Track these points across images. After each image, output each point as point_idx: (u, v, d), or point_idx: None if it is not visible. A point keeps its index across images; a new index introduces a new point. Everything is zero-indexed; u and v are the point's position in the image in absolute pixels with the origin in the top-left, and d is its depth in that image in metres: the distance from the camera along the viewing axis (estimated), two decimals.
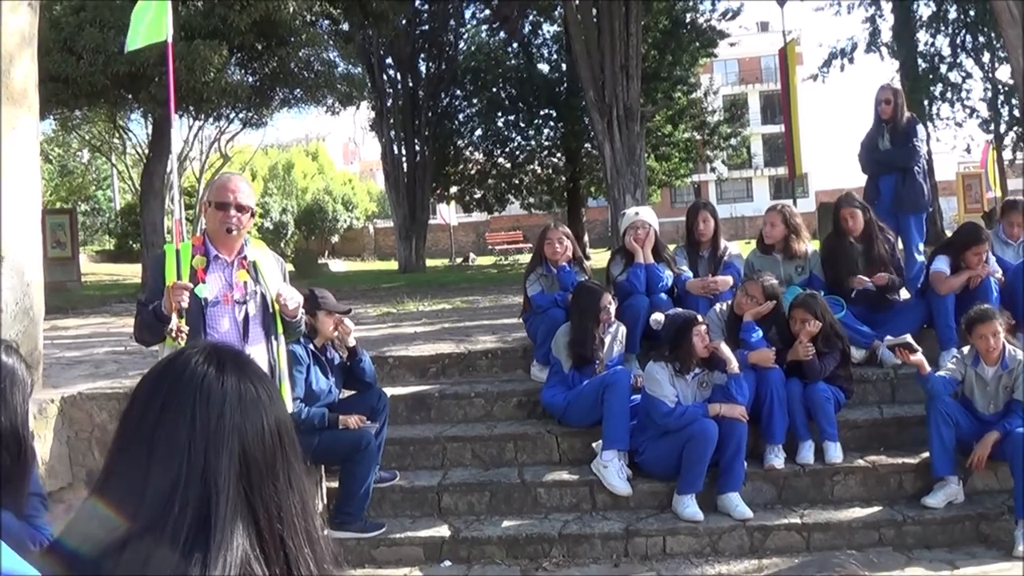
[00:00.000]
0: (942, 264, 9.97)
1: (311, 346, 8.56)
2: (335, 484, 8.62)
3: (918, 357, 8.54)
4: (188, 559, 1.85)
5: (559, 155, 41.48)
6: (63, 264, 28.71)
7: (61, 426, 9.01)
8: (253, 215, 6.72)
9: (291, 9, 23.35)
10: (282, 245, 63.84)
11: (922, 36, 33.77)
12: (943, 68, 33.79)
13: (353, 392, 8.94)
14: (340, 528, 8.27)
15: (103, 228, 58.75)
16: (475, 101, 40.46)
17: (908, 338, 8.71)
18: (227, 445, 1.97)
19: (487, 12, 39.24)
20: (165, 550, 1.85)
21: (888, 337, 9.18)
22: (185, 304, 6.38)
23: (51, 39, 20.17)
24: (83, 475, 8.80)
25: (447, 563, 8.28)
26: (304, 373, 8.51)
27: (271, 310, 6.77)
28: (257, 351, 6.53)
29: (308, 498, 2.11)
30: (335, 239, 69.04)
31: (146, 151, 29.70)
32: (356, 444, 8.19)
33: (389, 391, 9.27)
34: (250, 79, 25.73)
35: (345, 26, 29.87)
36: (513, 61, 41.00)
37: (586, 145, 38.01)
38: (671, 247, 10.95)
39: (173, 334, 6.32)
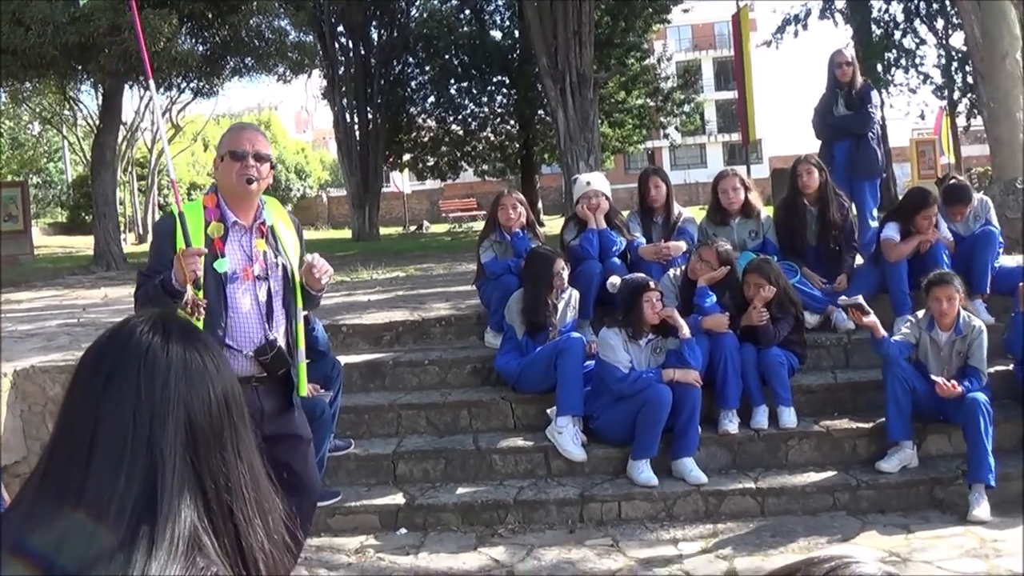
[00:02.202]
0: (892, 231, 10.01)
1: None
2: None
3: (871, 319, 8.55)
4: (135, 531, 1.82)
5: (512, 122, 41.44)
6: (15, 237, 28.50)
7: (15, 400, 8.94)
8: (273, 167, 6.03)
9: None
10: None
11: (876, 2, 33.87)
12: (897, 34, 33.89)
13: (308, 361, 8.88)
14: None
15: (55, 200, 58.28)
16: (427, 68, 40.35)
17: (860, 299, 8.72)
18: (172, 415, 1.94)
19: None
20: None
21: (842, 297, 9.22)
22: (200, 273, 5.57)
23: None
24: (37, 449, 8.73)
25: (403, 530, 8.27)
26: None
27: (292, 284, 6.03)
28: (280, 334, 5.92)
29: (258, 468, 2.09)
30: (288, 208, 68.43)
31: (96, 122, 29.43)
32: (310, 413, 8.12)
33: (343, 359, 9.21)
34: (201, 48, 25.57)
35: None
36: (465, 28, 40.90)
37: (539, 112, 37.96)
38: (625, 213, 10.94)
39: (188, 308, 5.51)
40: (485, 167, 43.64)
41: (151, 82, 7.23)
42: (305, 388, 6.23)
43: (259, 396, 5.78)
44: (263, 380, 5.82)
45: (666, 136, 46.82)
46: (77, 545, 1.81)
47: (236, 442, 2.04)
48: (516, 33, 39.32)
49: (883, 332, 8.62)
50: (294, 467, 5.93)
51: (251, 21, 25.58)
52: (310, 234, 50.77)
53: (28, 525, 1.87)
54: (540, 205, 42.64)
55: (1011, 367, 9.14)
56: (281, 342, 5.87)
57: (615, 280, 9.51)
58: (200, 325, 5.55)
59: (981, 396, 8.16)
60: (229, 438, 2.02)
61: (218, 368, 2.06)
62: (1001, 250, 10.50)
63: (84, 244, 34.09)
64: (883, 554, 7.30)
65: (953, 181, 10.96)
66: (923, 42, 34.38)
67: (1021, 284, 8.94)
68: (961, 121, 35.49)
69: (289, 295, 5.99)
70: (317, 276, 5.83)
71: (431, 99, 41.36)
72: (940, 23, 33.85)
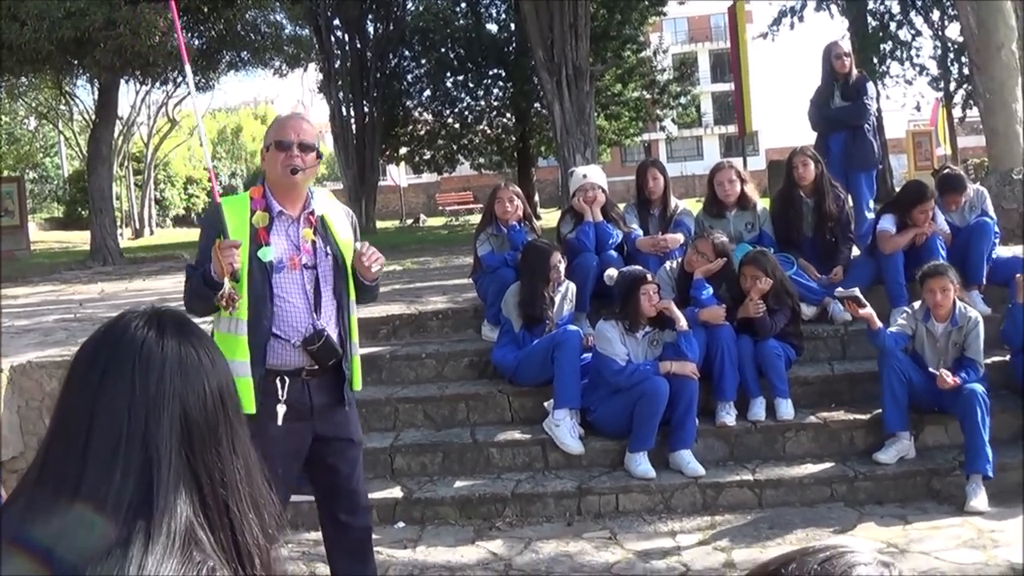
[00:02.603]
0: (887, 223, 10.01)
1: None
2: None
3: (867, 311, 8.56)
4: (131, 527, 1.82)
5: (508, 115, 41.33)
6: (12, 233, 28.44)
7: (11, 395, 8.94)
8: (320, 156, 5.87)
9: None
10: None
11: None
12: (893, 26, 33.84)
13: None
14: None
15: (51, 196, 58.26)
16: (423, 62, 40.23)
17: (856, 291, 8.74)
18: (168, 410, 1.94)
19: None
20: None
21: (838, 289, 9.23)
22: (237, 265, 5.48)
23: None
24: (34, 444, 8.73)
25: (400, 524, 8.28)
26: None
27: (345, 273, 5.91)
28: (329, 323, 5.80)
29: (254, 463, 2.09)
30: None
31: (92, 117, 29.39)
32: None
33: None
34: (196, 42, 25.50)
35: None
36: (461, 21, 40.79)
37: (535, 105, 37.85)
38: (621, 206, 10.94)
39: (223, 302, 5.45)
40: (481, 160, 43.56)
41: (189, 73, 7.10)
42: (359, 382, 6.12)
43: (309, 390, 5.74)
44: (315, 373, 5.75)
45: (662, 128, 46.65)
46: (76, 537, 1.81)
47: (231, 437, 2.04)
48: (512, 26, 39.22)
49: (879, 324, 8.62)
50: (342, 471, 5.92)
51: (247, 15, 25.52)
52: None
53: (27, 519, 1.87)
54: (536, 198, 42.58)
55: (1008, 357, 9.14)
56: (332, 332, 5.77)
57: (612, 273, 9.51)
58: (241, 317, 5.57)
59: (979, 387, 8.17)
60: (224, 433, 2.02)
61: (213, 363, 2.07)
62: (997, 240, 10.51)
63: (80, 239, 34.07)
64: (880, 545, 7.30)
65: (948, 171, 10.98)
66: (919, 33, 34.29)
67: (1018, 276, 8.94)
68: (957, 112, 35.46)
69: (341, 285, 5.89)
70: (367, 264, 5.75)
71: (427, 92, 41.27)
72: (936, 14, 33.78)
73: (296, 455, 5.75)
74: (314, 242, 5.79)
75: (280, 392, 5.66)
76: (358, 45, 35.42)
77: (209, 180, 6.72)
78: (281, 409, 5.65)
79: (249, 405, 5.45)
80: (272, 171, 5.75)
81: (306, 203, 5.82)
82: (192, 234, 44.66)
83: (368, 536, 6.23)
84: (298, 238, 5.76)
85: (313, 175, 5.86)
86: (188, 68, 6.98)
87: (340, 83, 34.61)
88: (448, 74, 40.47)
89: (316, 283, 5.77)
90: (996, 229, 10.48)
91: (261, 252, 5.63)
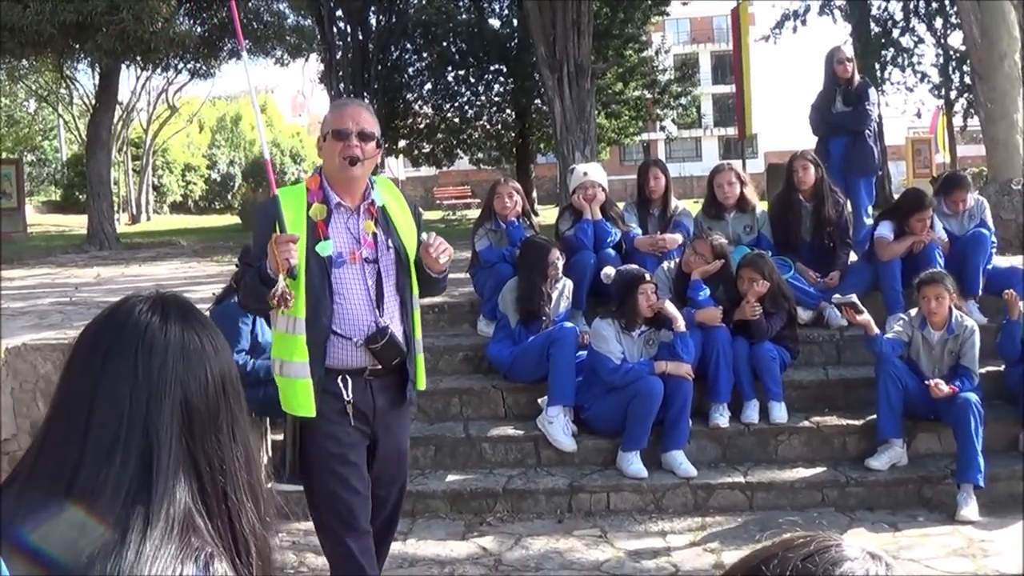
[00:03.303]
0: (885, 230, 10.01)
1: None
2: (280, 437, 8.56)
3: (865, 318, 8.57)
4: (130, 512, 1.82)
5: (509, 111, 41.26)
6: (9, 215, 28.35)
7: (5, 377, 8.91)
8: (379, 146, 5.57)
9: None
10: (229, 197, 63.41)
11: (875, 0, 33.81)
12: (895, 32, 33.83)
13: None
14: (284, 481, 8.21)
15: (49, 179, 58.11)
16: (425, 55, 40.14)
17: (854, 298, 8.75)
18: (169, 396, 1.95)
19: None
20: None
21: (836, 295, 9.23)
22: (295, 261, 5.16)
23: None
24: (27, 427, 8.72)
25: None
26: (250, 325, 8.45)
27: (408, 268, 5.61)
28: (392, 320, 5.53)
29: (252, 451, 2.09)
30: None
31: (93, 102, 29.34)
32: None
33: None
34: (199, 29, 25.44)
35: None
36: (464, 15, 40.70)
37: (536, 101, 37.80)
38: (620, 204, 10.94)
39: (275, 300, 5.12)
40: (480, 155, 43.48)
41: (244, 53, 6.51)
42: (423, 381, 5.88)
43: (372, 391, 5.52)
44: (378, 373, 5.51)
45: (662, 128, 46.58)
46: (71, 523, 1.80)
47: (232, 425, 2.04)
48: (514, 22, 39.13)
49: (876, 330, 8.63)
50: (388, 470, 5.75)
51: (250, 3, 25.51)
52: None
53: (21, 509, 1.87)
54: (535, 194, 42.55)
55: (1002, 368, 9.15)
56: (396, 330, 5.51)
57: (609, 271, 9.52)
58: (299, 315, 5.33)
59: (973, 396, 8.19)
60: (225, 420, 2.03)
61: (216, 349, 2.07)
62: (994, 250, 10.53)
63: (77, 223, 34.00)
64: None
65: (951, 172, 11.02)
66: (921, 41, 34.28)
67: (1008, 292, 8.94)
68: (958, 121, 35.47)
69: (404, 279, 5.62)
70: (435, 255, 5.45)
71: (428, 86, 41.18)
72: (939, 22, 33.77)
73: (346, 460, 5.49)
74: (375, 235, 5.52)
75: (345, 392, 5.42)
76: (360, 37, 35.34)
77: (268, 168, 6.40)
78: (350, 409, 5.43)
79: (308, 408, 5.32)
80: (329, 162, 5.51)
81: (366, 193, 5.56)
82: (188, 221, 44.69)
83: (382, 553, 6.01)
84: (358, 231, 5.50)
85: (373, 165, 5.61)
86: (240, 39, 6.66)
87: (341, 74, 34.54)
88: (449, 68, 40.41)
89: (378, 278, 5.51)
90: (993, 240, 10.50)
91: (319, 246, 5.36)
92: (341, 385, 5.41)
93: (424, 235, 5.60)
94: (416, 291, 5.72)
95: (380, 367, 5.49)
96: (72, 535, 1.80)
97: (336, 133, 5.42)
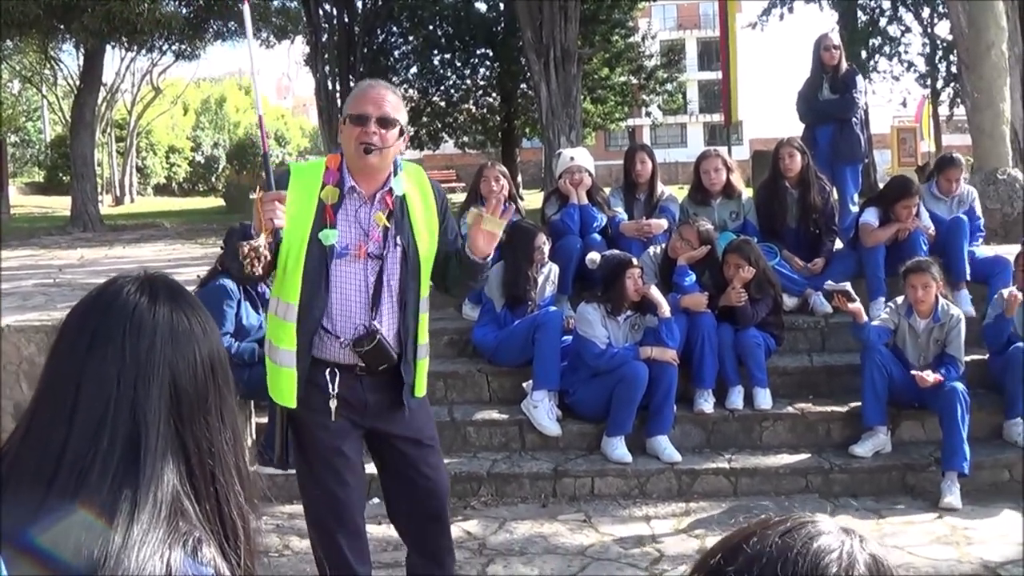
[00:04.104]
0: (870, 216, 10.03)
1: None
2: (264, 420, 8.55)
3: (856, 306, 8.57)
4: (117, 495, 1.81)
5: (494, 95, 41.27)
6: None
7: None
8: (403, 133, 5.15)
9: None
10: (213, 179, 63.35)
11: None
12: (882, 21, 33.89)
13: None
14: (269, 464, 8.16)
15: (33, 160, 57.99)
16: (411, 38, 40.09)
17: (847, 286, 8.74)
18: (158, 377, 1.93)
19: None
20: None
21: (828, 282, 9.23)
22: (280, 223, 4.81)
23: None
24: (11, 408, 8.68)
25: (375, 500, 8.21)
26: (235, 308, 8.43)
27: (416, 268, 5.24)
28: (386, 323, 5.19)
29: (240, 434, 2.07)
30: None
31: (77, 82, 29.26)
32: None
33: None
34: (184, 10, 25.40)
35: None
36: None
37: (522, 86, 37.81)
38: (606, 190, 10.93)
39: (245, 258, 4.69)
40: (466, 139, 43.47)
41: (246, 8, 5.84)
42: (423, 388, 5.46)
43: (363, 388, 5.24)
44: (369, 371, 5.21)
45: (648, 114, 46.63)
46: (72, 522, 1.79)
47: (220, 407, 2.03)
48: (501, 6, 39.08)
49: (865, 318, 8.65)
50: (420, 470, 5.49)
51: None
52: None
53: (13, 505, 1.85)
54: (520, 179, 42.55)
55: (986, 356, 9.17)
56: (388, 334, 5.18)
57: (595, 257, 9.52)
58: (291, 301, 5.08)
59: (959, 385, 8.20)
60: (214, 402, 2.01)
61: (205, 331, 2.05)
62: (981, 239, 10.57)
63: (61, 205, 33.97)
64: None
65: (944, 154, 11.08)
66: (908, 30, 34.40)
67: (1011, 291, 8.81)
68: (944, 110, 35.54)
69: (409, 281, 5.23)
70: (489, 229, 5.19)
71: (414, 69, 41.16)
72: (926, 11, 33.86)
73: (338, 452, 5.29)
74: (386, 228, 5.16)
75: (330, 386, 5.15)
76: (346, 19, 35.25)
77: (262, 136, 5.93)
78: (333, 404, 5.16)
79: (290, 399, 5.14)
80: (346, 147, 5.14)
81: (386, 181, 5.19)
82: (172, 203, 44.61)
83: (438, 513, 5.67)
84: (368, 222, 5.16)
85: (394, 154, 5.16)
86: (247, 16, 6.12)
87: (327, 57, 34.47)
88: (435, 52, 40.37)
89: (379, 276, 5.17)
90: (982, 229, 10.56)
91: (323, 234, 5.04)
92: (328, 378, 5.17)
93: (473, 208, 5.31)
94: (425, 293, 5.38)
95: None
96: (74, 534, 1.78)
97: (355, 118, 5.07)
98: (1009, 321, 8.75)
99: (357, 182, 5.14)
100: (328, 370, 5.18)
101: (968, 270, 9.96)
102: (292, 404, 5.16)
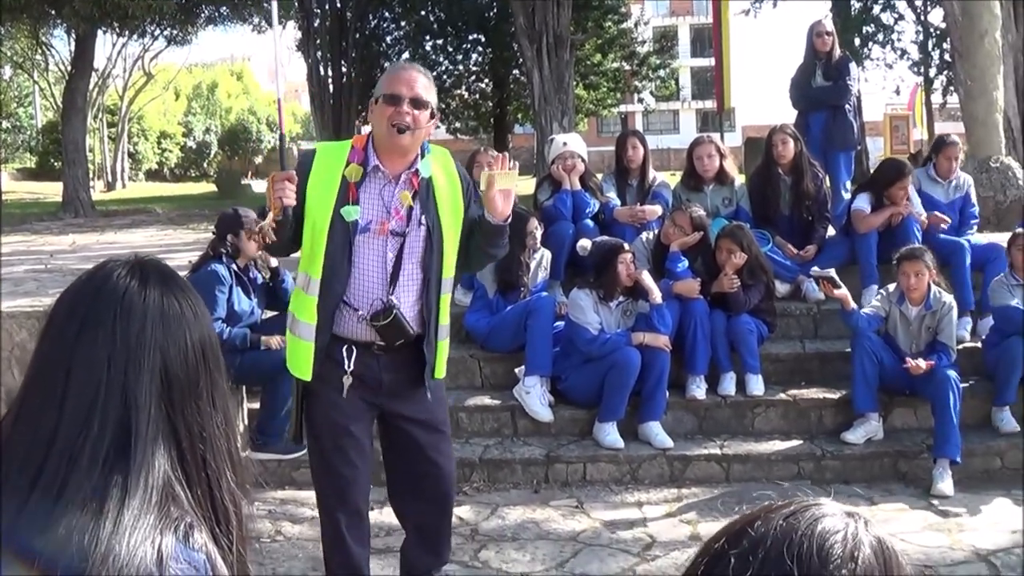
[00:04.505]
0: (863, 202, 10.03)
1: (233, 266, 8.45)
2: (256, 405, 8.55)
3: (842, 292, 8.56)
4: (107, 480, 1.79)
5: (487, 81, 41.32)
6: None
7: None
8: (434, 116, 5.27)
9: None
10: (205, 165, 63.24)
11: None
12: (876, 8, 33.86)
13: (275, 313, 8.83)
14: (261, 449, 8.20)
15: (24, 146, 57.80)
16: (403, 24, 40.06)
17: (832, 272, 8.75)
18: (148, 361, 1.91)
19: None
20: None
21: (814, 268, 9.23)
22: (289, 201, 4.99)
23: None
24: (3, 394, 8.66)
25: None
26: (226, 293, 8.41)
27: (440, 247, 5.33)
28: (406, 301, 5.28)
29: (231, 419, 2.06)
30: (259, 160, 68.31)
31: (68, 68, 29.20)
32: (278, 365, 8.06)
33: None
34: None
35: None
36: None
37: (514, 72, 37.84)
38: (598, 176, 10.92)
39: (255, 227, 5.05)
40: (458, 125, 43.50)
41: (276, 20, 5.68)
42: (443, 370, 5.59)
43: (380, 366, 5.34)
44: (386, 349, 5.31)
45: (640, 101, 46.81)
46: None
47: (211, 391, 2.02)
48: None
49: (853, 304, 8.65)
50: (429, 456, 5.56)
51: None
52: None
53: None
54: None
55: (978, 344, 9.18)
56: (408, 310, 5.28)
57: (585, 243, 9.51)
58: (314, 276, 5.23)
59: (952, 372, 8.21)
60: (205, 387, 2.00)
61: (196, 315, 2.04)
62: (976, 226, 10.57)
63: (52, 191, 33.88)
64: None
65: (941, 135, 11.11)
66: (901, 17, 34.33)
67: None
68: (936, 98, 35.51)
69: (431, 259, 5.32)
70: (503, 185, 5.25)
71: (406, 55, 41.12)
72: None
73: (348, 432, 5.38)
74: (411, 208, 5.26)
75: (346, 362, 5.26)
76: (338, 4, 35.22)
77: (279, 117, 5.87)
78: (347, 380, 5.27)
79: (306, 372, 5.24)
80: (378, 127, 5.24)
81: (413, 162, 5.30)
82: (164, 189, 44.50)
83: (444, 505, 5.89)
84: (392, 200, 5.26)
85: (425, 136, 5.29)
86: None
87: (319, 42, 34.43)
88: (427, 37, 40.35)
89: (400, 253, 5.26)
90: (976, 215, 10.59)
91: (345, 210, 5.15)
92: (345, 354, 5.26)
93: (483, 172, 5.31)
94: (448, 274, 5.46)
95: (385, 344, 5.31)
96: (64, 522, 1.77)
97: (388, 97, 5.16)
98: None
99: (382, 162, 5.25)
100: (345, 347, 5.27)
101: (972, 298, 9.84)
102: (308, 376, 5.26)
